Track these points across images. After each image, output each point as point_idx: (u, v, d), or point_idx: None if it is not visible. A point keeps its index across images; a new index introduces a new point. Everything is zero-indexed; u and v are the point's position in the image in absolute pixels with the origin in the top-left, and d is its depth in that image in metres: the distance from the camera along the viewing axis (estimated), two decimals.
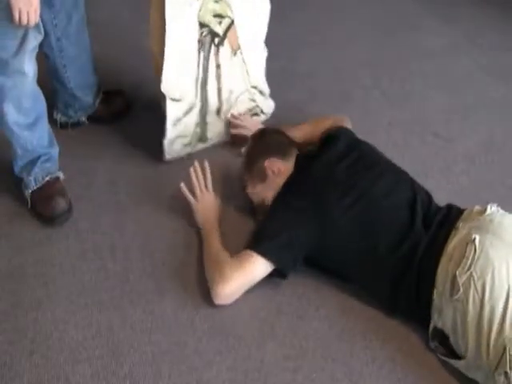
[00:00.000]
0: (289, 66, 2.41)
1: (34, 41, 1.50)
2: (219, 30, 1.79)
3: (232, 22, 1.81)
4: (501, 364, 1.23)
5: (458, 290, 1.30)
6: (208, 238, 1.60)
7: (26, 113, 1.62)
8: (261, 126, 1.92)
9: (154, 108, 1.84)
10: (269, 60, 2.38)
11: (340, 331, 1.47)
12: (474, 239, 1.33)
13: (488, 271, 1.28)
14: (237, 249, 1.53)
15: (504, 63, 2.52)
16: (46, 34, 1.66)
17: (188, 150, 1.93)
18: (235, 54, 1.88)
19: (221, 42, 1.82)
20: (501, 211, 1.45)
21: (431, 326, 1.39)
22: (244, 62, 1.90)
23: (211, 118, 1.93)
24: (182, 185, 1.69)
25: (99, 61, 2.02)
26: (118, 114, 2.09)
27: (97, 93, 2.03)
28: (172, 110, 1.82)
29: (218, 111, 1.94)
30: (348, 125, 1.85)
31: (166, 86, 1.76)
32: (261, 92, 2.03)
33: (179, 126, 1.86)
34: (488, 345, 1.25)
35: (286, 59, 2.45)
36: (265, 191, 1.66)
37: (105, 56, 2.21)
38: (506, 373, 1.22)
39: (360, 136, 1.75)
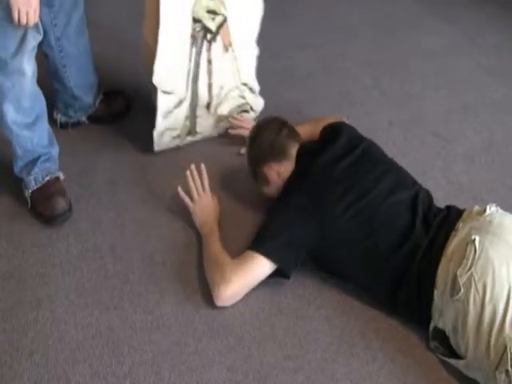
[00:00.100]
0: (289, 66, 2.41)
1: (33, 41, 1.50)
2: (212, 26, 1.81)
3: (225, 19, 1.83)
4: (502, 363, 1.23)
5: (459, 290, 1.30)
6: (207, 240, 1.60)
7: (26, 112, 1.62)
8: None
9: (153, 108, 1.85)
10: (269, 60, 2.39)
11: (340, 331, 1.47)
12: (474, 240, 1.33)
13: (488, 271, 1.29)
14: (237, 249, 1.53)
15: (504, 63, 2.52)
16: (46, 34, 1.66)
17: (177, 142, 1.96)
18: (227, 50, 1.89)
19: (213, 38, 1.84)
20: (500, 211, 1.45)
21: (431, 326, 1.39)
22: (235, 59, 1.93)
23: (201, 112, 1.95)
24: (179, 188, 1.69)
25: (99, 61, 2.02)
26: (118, 113, 2.09)
27: (97, 93, 2.03)
28: (163, 103, 1.84)
29: (208, 106, 1.95)
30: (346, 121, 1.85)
31: (157, 79, 1.78)
32: (251, 89, 2.04)
33: (169, 118, 1.88)
34: (488, 345, 1.25)
35: (286, 59, 2.46)
36: (273, 190, 1.68)
37: (105, 56, 2.21)
38: (507, 371, 1.22)
39: (360, 133, 1.74)
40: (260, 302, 1.52)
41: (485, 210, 1.44)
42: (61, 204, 1.70)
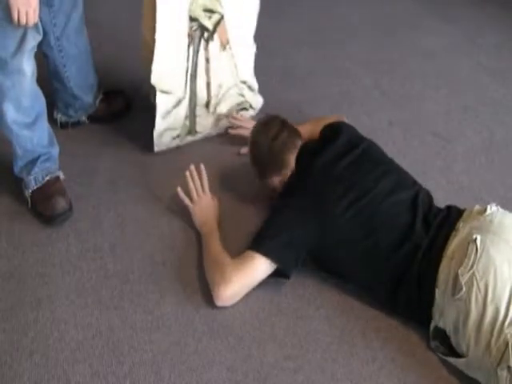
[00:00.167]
0: (289, 66, 2.41)
1: (32, 41, 1.50)
2: (209, 24, 1.81)
3: (222, 18, 1.83)
4: (503, 359, 1.23)
5: (461, 289, 1.30)
6: (207, 240, 1.60)
7: (26, 112, 1.62)
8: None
9: (153, 108, 1.85)
10: (269, 59, 2.39)
11: (340, 331, 1.47)
12: (476, 239, 1.33)
13: (490, 270, 1.29)
14: (237, 249, 1.53)
15: (504, 63, 2.52)
16: (45, 34, 1.66)
17: (177, 142, 1.96)
18: (224, 48, 1.90)
19: (210, 37, 1.84)
20: (501, 210, 1.45)
21: (432, 325, 1.39)
22: (233, 56, 1.93)
23: (200, 111, 1.95)
24: (179, 189, 1.69)
25: (99, 61, 2.02)
26: (119, 113, 2.09)
27: (97, 92, 2.03)
28: (162, 103, 1.84)
29: (207, 105, 1.96)
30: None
31: (155, 78, 1.78)
32: (249, 87, 2.04)
33: (168, 118, 1.88)
34: (490, 342, 1.25)
35: (286, 59, 2.46)
36: (274, 191, 1.70)
37: (105, 56, 2.22)
38: (509, 367, 1.22)
39: (360, 133, 1.74)
40: (260, 302, 1.52)
41: (485, 210, 1.44)
42: (61, 204, 1.70)
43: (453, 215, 1.48)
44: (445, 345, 1.38)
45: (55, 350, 1.41)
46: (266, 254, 1.47)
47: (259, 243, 1.50)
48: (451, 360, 1.36)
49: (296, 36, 2.61)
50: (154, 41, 1.73)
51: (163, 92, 1.83)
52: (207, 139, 2.03)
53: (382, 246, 1.46)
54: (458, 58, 2.54)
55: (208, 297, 1.50)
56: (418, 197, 1.53)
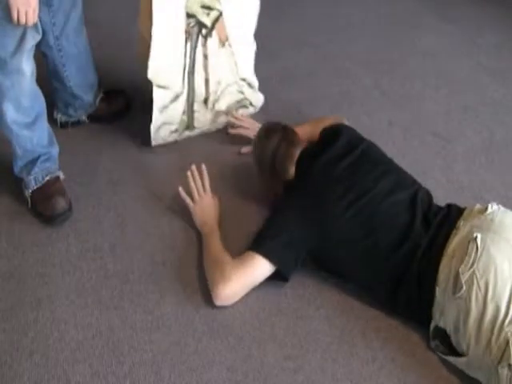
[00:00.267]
0: (289, 66, 2.41)
1: (32, 40, 1.50)
2: (207, 21, 1.81)
3: (220, 14, 1.84)
4: (504, 357, 1.23)
5: (461, 287, 1.30)
6: (208, 240, 1.60)
7: (25, 112, 1.62)
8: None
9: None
10: (269, 60, 2.39)
11: (340, 331, 1.47)
12: (476, 237, 1.33)
13: (490, 269, 1.29)
14: (237, 249, 1.53)
15: (504, 63, 2.52)
16: (45, 34, 1.65)
17: (174, 136, 1.97)
18: (223, 45, 1.90)
19: (209, 34, 1.84)
20: (502, 209, 1.45)
21: (432, 325, 1.40)
22: (232, 54, 1.93)
23: (198, 107, 1.95)
24: (180, 189, 1.70)
25: (99, 60, 2.02)
26: (119, 113, 2.09)
27: (97, 91, 2.03)
28: (158, 97, 1.85)
29: (206, 101, 1.96)
30: (346, 123, 1.85)
31: (152, 73, 1.79)
32: (249, 84, 2.05)
33: (166, 112, 1.89)
34: (490, 341, 1.26)
35: (286, 59, 2.46)
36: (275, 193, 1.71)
37: (104, 55, 2.22)
38: (509, 365, 1.22)
39: (360, 134, 1.74)
40: (260, 301, 1.52)
41: (486, 209, 1.44)
42: (61, 204, 1.70)
43: (453, 214, 1.49)
44: (445, 344, 1.38)
45: (55, 349, 1.41)
46: (267, 254, 1.47)
47: (259, 243, 1.50)
48: (451, 359, 1.36)
49: (296, 36, 2.61)
50: (150, 37, 1.73)
51: (160, 87, 1.83)
52: (207, 139, 2.03)
53: (381, 245, 1.46)
54: (458, 57, 2.54)
55: (208, 297, 1.50)
56: (417, 196, 1.53)
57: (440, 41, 2.65)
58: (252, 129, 1.94)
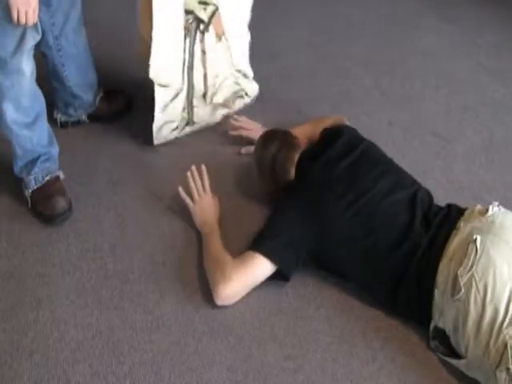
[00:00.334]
0: (289, 66, 2.41)
1: (31, 40, 1.50)
2: (204, 16, 1.82)
3: (216, 9, 1.85)
4: (502, 361, 1.23)
5: (460, 290, 1.30)
6: (208, 240, 1.60)
7: (25, 112, 1.62)
8: (261, 128, 1.92)
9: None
10: (269, 60, 2.39)
11: (340, 331, 1.47)
12: (476, 239, 1.33)
13: (489, 271, 1.29)
14: (238, 249, 1.53)
15: (504, 63, 2.52)
16: (44, 33, 1.65)
17: (175, 134, 1.97)
18: (220, 39, 1.91)
19: (206, 29, 1.85)
20: (503, 210, 1.45)
21: (432, 325, 1.40)
22: (229, 47, 1.94)
23: (197, 102, 1.96)
24: (180, 189, 1.70)
25: (99, 60, 2.02)
26: (119, 112, 2.09)
27: (97, 91, 2.02)
28: (160, 96, 1.85)
29: (204, 96, 1.97)
30: (347, 123, 1.85)
31: (153, 73, 1.79)
32: (245, 75, 2.06)
33: (167, 111, 1.89)
34: (489, 344, 1.25)
35: (286, 59, 2.45)
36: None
37: (104, 55, 2.21)
38: (507, 369, 1.22)
39: (361, 134, 1.74)
40: (260, 301, 1.52)
41: (487, 210, 1.43)
42: (61, 203, 1.70)
43: (453, 214, 1.48)
44: (444, 345, 1.38)
45: (55, 350, 1.41)
46: (267, 254, 1.47)
47: (260, 243, 1.50)
48: (451, 361, 1.36)
49: (296, 36, 2.61)
50: (149, 36, 1.73)
51: (161, 86, 1.84)
52: (208, 139, 2.02)
53: (381, 245, 1.46)
54: (458, 57, 2.54)
55: (208, 296, 1.50)
56: (417, 196, 1.53)
57: (440, 41, 2.65)
58: (253, 130, 1.94)
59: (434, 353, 1.40)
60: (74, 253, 1.64)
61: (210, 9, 1.83)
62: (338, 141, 1.65)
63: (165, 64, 1.80)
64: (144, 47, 1.79)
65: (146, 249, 1.65)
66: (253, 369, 1.38)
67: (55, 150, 1.76)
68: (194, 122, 2.00)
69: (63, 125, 2.03)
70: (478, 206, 1.48)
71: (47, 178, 1.73)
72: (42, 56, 1.82)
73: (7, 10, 1.36)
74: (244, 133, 1.97)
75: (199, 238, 1.65)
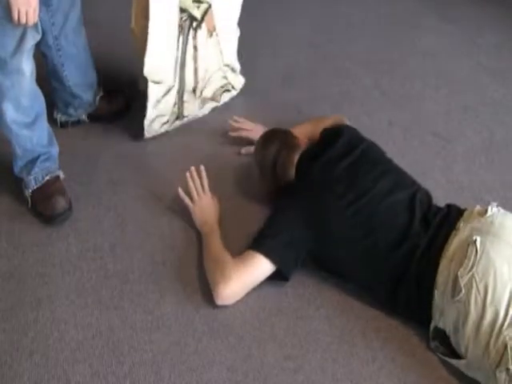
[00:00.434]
0: (289, 66, 2.41)
1: (32, 40, 1.50)
2: (197, 14, 1.85)
3: (209, 6, 1.88)
4: (502, 361, 1.23)
5: (460, 290, 1.30)
6: (208, 239, 1.60)
7: (25, 112, 1.62)
8: (261, 129, 1.92)
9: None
10: (269, 59, 2.39)
11: (340, 331, 1.47)
12: (476, 240, 1.33)
13: (490, 272, 1.29)
14: (237, 248, 1.53)
15: (504, 63, 2.52)
16: (44, 33, 1.65)
17: (165, 127, 2.01)
18: (211, 35, 1.94)
19: (198, 26, 1.88)
20: (502, 211, 1.45)
21: (432, 325, 1.39)
22: (219, 42, 1.98)
23: (188, 97, 1.99)
24: (180, 189, 1.70)
25: (99, 60, 2.02)
26: (119, 112, 2.09)
27: (96, 91, 2.03)
28: (153, 93, 1.87)
29: (194, 90, 2.00)
30: (347, 123, 1.85)
31: (148, 71, 1.81)
32: (232, 69, 2.11)
33: (158, 106, 1.92)
34: (489, 344, 1.25)
35: (286, 59, 2.45)
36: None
37: (104, 55, 2.21)
38: (507, 369, 1.22)
39: (361, 134, 1.74)
40: (260, 301, 1.52)
41: (486, 211, 1.43)
42: (61, 203, 1.70)
43: (453, 214, 1.48)
44: (445, 345, 1.38)
45: (55, 350, 1.41)
46: (267, 253, 1.47)
47: (260, 243, 1.50)
48: (451, 361, 1.36)
49: (296, 36, 2.61)
50: (143, 34, 1.75)
51: (155, 82, 1.86)
52: (208, 139, 2.02)
53: (380, 245, 1.46)
54: (458, 57, 2.54)
55: (208, 296, 1.50)
56: (416, 196, 1.52)
57: (440, 41, 2.65)
58: (252, 130, 1.94)
59: (434, 353, 1.40)
60: (74, 253, 1.64)
61: (204, 7, 1.86)
62: (338, 141, 1.65)
63: (159, 62, 1.82)
64: (137, 43, 1.80)
65: (146, 249, 1.65)
66: (253, 369, 1.38)
67: (55, 150, 1.76)
68: (183, 116, 2.03)
69: (63, 125, 2.03)
70: (478, 207, 1.48)
71: (47, 177, 1.73)
72: (41, 56, 1.82)
73: (7, 10, 1.36)
74: (244, 133, 1.97)
75: (199, 238, 1.65)
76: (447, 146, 2.06)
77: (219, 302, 1.48)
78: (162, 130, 2.00)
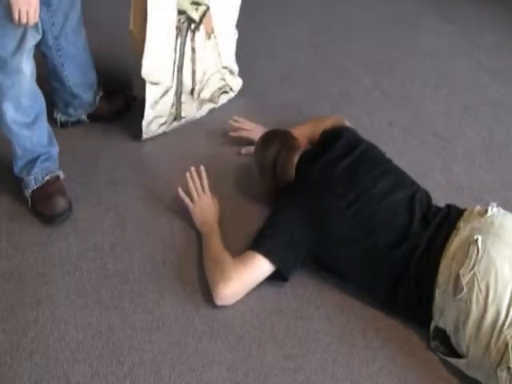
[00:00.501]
0: (289, 66, 2.41)
1: (32, 40, 1.51)
2: (195, 16, 1.86)
3: (208, 9, 1.88)
4: (503, 360, 1.23)
5: (462, 289, 1.30)
6: (208, 239, 1.60)
7: (25, 111, 1.62)
8: (261, 129, 1.92)
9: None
10: (269, 60, 2.39)
11: (340, 331, 1.47)
12: (477, 239, 1.33)
13: (491, 271, 1.29)
14: (237, 248, 1.54)
15: (504, 63, 2.52)
16: (44, 33, 1.65)
17: (163, 128, 2.01)
18: (209, 37, 1.95)
19: (196, 28, 1.89)
20: (502, 211, 1.45)
21: (432, 325, 1.40)
22: (217, 44, 1.99)
23: (185, 98, 1.99)
24: (180, 189, 1.70)
25: (99, 60, 2.02)
26: (119, 112, 2.09)
27: (96, 91, 2.03)
28: (151, 94, 1.88)
29: (192, 91, 2.00)
30: (347, 124, 1.85)
31: (145, 72, 1.82)
32: (230, 71, 2.12)
33: (156, 107, 1.92)
34: (490, 343, 1.26)
35: (286, 59, 2.45)
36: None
37: (104, 55, 2.21)
38: (508, 368, 1.22)
39: (360, 135, 1.75)
40: (260, 301, 1.52)
41: (486, 211, 1.43)
42: (61, 203, 1.70)
43: (453, 214, 1.48)
44: (445, 344, 1.38)
45: (55, 350, 1.41)
46: (267, 253, 1.47)
47: (260, 243, 1.50)
48: (452, 360, 1.36)
49: (296, 36, 2.61)
50: (141, 35, 1.75)
51: (152, 84, 1.86)
52: (208, 140, 2.03)
53: (380, 245, 1.46)
54: (458, 57, 2.54)
55: (208, 296, 1.50)
56: (415, 196, 1.52)
57: (440, 41, 2.65)
58: (252, 130, 1.94)
59: (434, 353, 1.40)
60: (74, 253, 1.64)
61: (202, 9, 1.87)
62: (338, 142, 1.65)
63: (157, 63, 1.83)
64: (134, 44, 1.81)
65: (146, 249, 1.65)
66: (253, 369, 1.38)
67: (55, 150, 1.76)
68: (181, 117, 2.03)
69: (63, 125, 2.03)
70: (477, 207, 1.48)
71: (47, 177, 1.73)
72: (41, 56, 1.82)
73: (8, 10, 1.36)
74: (244, 133, 1.97)
75: (199, 238, 1.65)
76: (447, 146, 2.06)
77: (219, 302, 1.48)
78: (160, 130, 2.01)
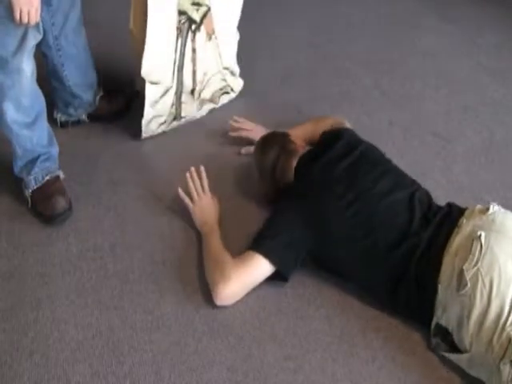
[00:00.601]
0: (289, 66, 2.41)
1: (33, 40, 1.51)
2: (196, 16, 1.86)
3: (208, 10, 1.89)
4: (506, 355, 1.24)
5: (466, 284, 1.30)
6: (208, 240, 1.60)
7: (26, 111, 1.62)
8: (261, 129, 1.92)
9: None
10: (269, 60, 2.39)
11: (340, 331, 1.47)
12: (480, 236, 1.34)
13: (495, 267, 1.30)
14: (237, 249, 1.53)
15: (504, 63, 2.52)
16: (44, 33, 1.65)
17: (163, 128, 2.02)
18: (210, 38, 1.95)
19: (197, 28, 1.89)
20: (502, 210, 1.45)
21: (433, 322, 1.39)
22: (218, 46, 1.99)
23: (186, 98, 2.00)
24: (180, 189, 1.70)
25: (99, 60, 2.02)
26: (119, 112, 2.09)
27: (96, 91, 2.03)
28: (150, 93, 1.88)
29: (192, 92, 2.01)
30: (347, 125, 1.85)
31: (145, 72, 1.82)
32: (232, 72, 2.12)
33: (156, 107, 1.93)
34: (493, 338, 1.26)
35: (286, 59, 2.46)
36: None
37: (104, 55, 2.21)
38: (511, 362, 1.23)
39: (360, 136, 1.75)
40: (260, 301, 1.52)
41: (487, 209, 1.44)
42: (61, 203, 1.70)
43: (454, 212, 1.49)
44: (446, 341, 1.38)
45: (55, 350, 1.40)
46: (267, 254, 1.47)
47: (260, 243, 1.50)
48: (453, 357, 1.36)
49: (296, 36, 2.61)
50: (141, 35, 1.76)
51: (152, 83, 1.87)
52: (208, 140, 2.03)
53: (380, 245, 1.46)
54: (458, 57, 2.54)
55: (208, 296, 1.50)
56: (415, 196, 1.53)
57: (440, 41, 2.65)
58: (252, 131, 1.95)
59: (435, 352, 1.40)
60: (74, 253, 1.64)
61: (203, 10, 1.87)
62: (338, 143, 1.66)
63: (157, 63, 1.83)
64: (134, 44, 1.81)
65: (146, 249, 1.65)
66: (253, 369, 1.38)
67: (55, 150, 1.76)
68: (181, 117, 2.04)
69: (63, 124, 2.03)
70: (478, 206, 1.48)
71: (47, 177, 1.73)
72: (41, 56, 1.82)
73: (9, 9, 1.37)
74: (244, 133, 1.97)
75: (199, 238, 1.65)
76: (447, 146, 2.06)
77: (218, 302, 1.48)
78: (160, 130, 2.01)
